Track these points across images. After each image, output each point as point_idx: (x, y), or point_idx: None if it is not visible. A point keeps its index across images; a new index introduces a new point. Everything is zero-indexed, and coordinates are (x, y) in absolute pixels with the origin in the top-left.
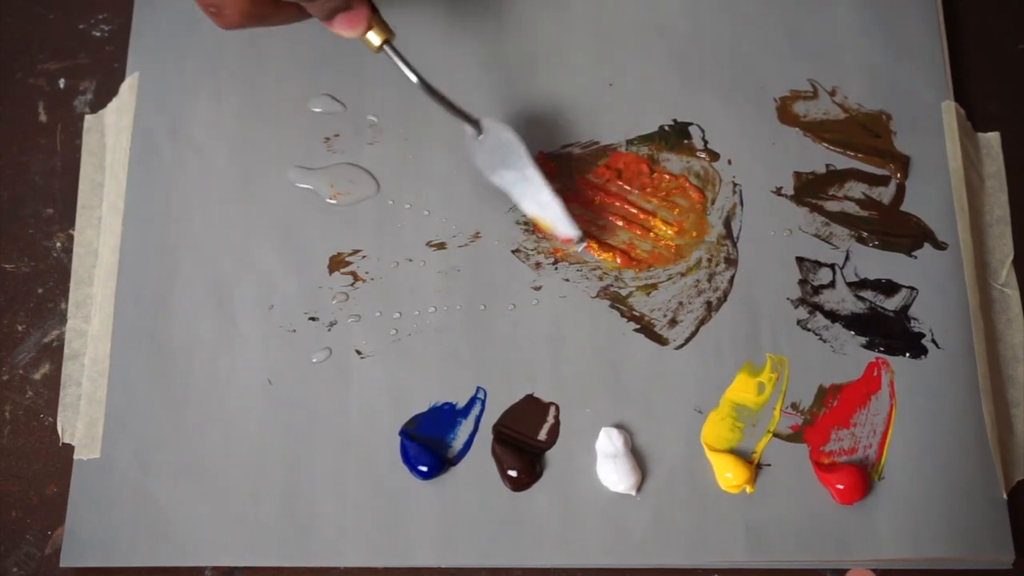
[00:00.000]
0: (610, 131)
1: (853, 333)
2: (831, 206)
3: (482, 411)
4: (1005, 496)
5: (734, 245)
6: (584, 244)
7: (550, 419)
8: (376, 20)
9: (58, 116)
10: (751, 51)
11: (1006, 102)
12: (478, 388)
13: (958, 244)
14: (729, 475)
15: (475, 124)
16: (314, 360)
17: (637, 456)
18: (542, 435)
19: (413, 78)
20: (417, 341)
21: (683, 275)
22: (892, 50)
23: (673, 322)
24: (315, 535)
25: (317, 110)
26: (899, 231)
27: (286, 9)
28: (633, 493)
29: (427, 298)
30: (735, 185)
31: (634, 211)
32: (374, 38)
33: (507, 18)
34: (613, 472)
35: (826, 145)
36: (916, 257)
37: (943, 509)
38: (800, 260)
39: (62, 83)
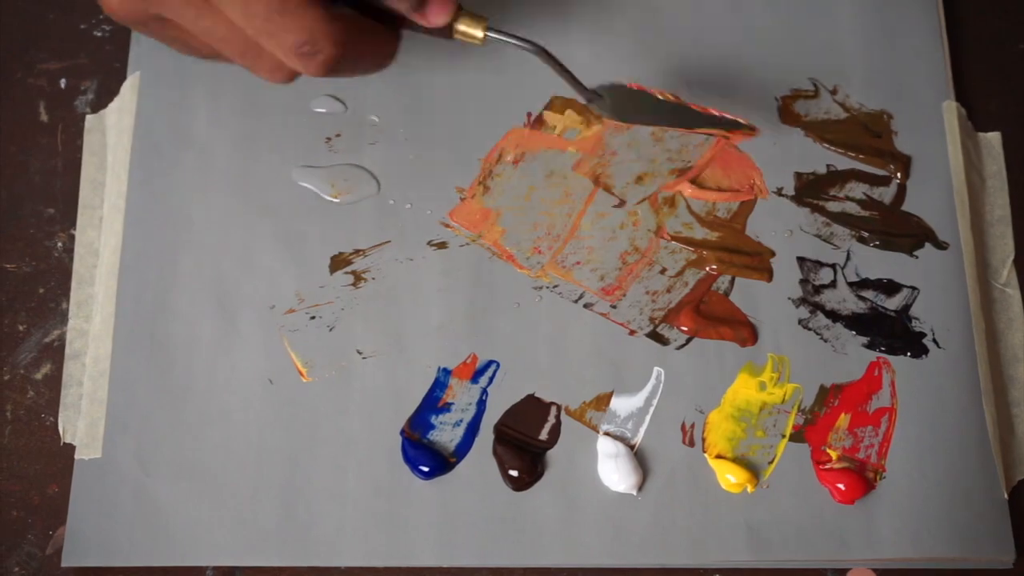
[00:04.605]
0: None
1: (854, 333)
2: (832, 206)
3: (483, 411)
4: (1006, 496)
5: None
6: (756, 131)
7: (551, 419)
8: (464, 12)
9: (59, 116)
10: (752, 50)
11: (1007, 102)
12: (480, 388)
13: (959, 244)
14: (730, 475)
15: (594, 94)
16: (315, 360)
17: (638, 456)
18: (543, 435)
19: (531, 48)
20: (418, 341)
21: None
22: (893, 49)
23: None
24: (315, 535)
25: (318, 110)
26: (900, 231)
27: (377, 35)
28: (634, 493)
29: (429, 297)
30: None
31: None
32: (474, 30)
33: (507, 18)
34: (614, 472)
35: (827, 146)
36: (917, 257)
37: (944, 509)
38: (801, 260)
39: (63, 83)
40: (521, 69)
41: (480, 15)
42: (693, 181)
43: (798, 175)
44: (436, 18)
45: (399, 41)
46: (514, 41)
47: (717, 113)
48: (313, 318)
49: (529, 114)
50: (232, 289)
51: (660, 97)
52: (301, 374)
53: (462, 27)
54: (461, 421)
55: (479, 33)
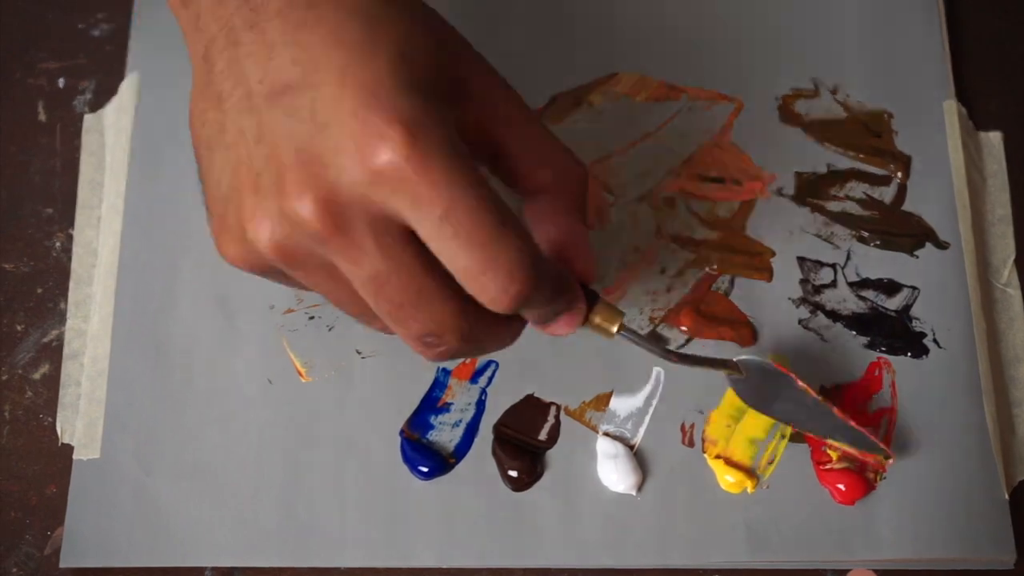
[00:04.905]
0: None
1: (854, 333)
2: (832, 206)
3: (482, 411)
4: (1007, 496)
5: None
6: (891, 459)
7: (550, 419)
8: (602, 307)
9: (57, 116)
10: (752, 49)
11: (1008, 101)
12: (479, 388)
13: (960, 244)
14: (729, 475)
15: (735, 368)
16: (314, 360)
17: (638, 456)
18: (542, 435)
19: (659, 353)
20: None
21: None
22: (894, 49)
23: None
24: (315, 535)
25: None
26: (900, 230)
27: (504, 329)
28: (634, 493)
29: None
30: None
31: None
32: (608, 326)
33: (506, 17)
34: (614, 472)
35: (827, 145)
36: (917, 257)
37: (944, 509)
38: (801, 260)
39: (61, 82)
40: (521, 68)
41: (617, 310)
42: (693, 180)
43: (798, 175)
44: (561, 331)
45: (523, 329)
46: (642, 344)
47: (858, 427)
48: (312, 318)
49: None
50: (231, 289)
51: (800, 385)
52: (300, 374)
53: (597, 320)
54: (460, 421)
55: (612, 329)
